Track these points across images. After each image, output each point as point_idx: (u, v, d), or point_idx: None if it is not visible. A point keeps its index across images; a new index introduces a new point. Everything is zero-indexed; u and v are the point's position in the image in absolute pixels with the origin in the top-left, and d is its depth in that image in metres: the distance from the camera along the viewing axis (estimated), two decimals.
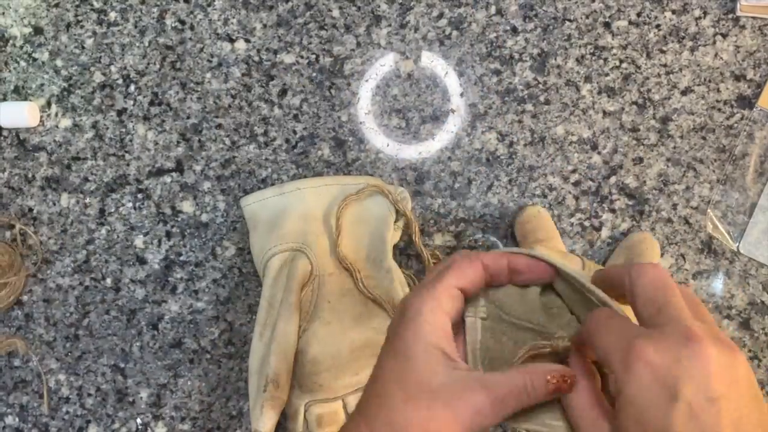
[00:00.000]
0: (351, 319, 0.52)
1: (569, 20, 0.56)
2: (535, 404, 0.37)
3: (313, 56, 0.57)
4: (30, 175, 0.56)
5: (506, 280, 0.41)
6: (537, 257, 0.39)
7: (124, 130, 0.56)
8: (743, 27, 0.56)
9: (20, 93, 0.57)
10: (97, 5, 0.57)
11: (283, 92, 0.57)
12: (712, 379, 0.30)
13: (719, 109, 0.56)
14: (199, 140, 0.56)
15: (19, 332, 0.56)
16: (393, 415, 0.36)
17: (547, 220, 0.55)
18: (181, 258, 0.56)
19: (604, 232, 0.55)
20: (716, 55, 0.56)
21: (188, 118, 0.56)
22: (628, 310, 0.41)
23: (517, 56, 0.56)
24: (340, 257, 0.53)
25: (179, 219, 0.56)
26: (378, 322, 0.52)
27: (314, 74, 0.57)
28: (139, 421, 0.55)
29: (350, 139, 0.56)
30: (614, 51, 0.56)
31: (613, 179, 0.56)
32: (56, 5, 0.57)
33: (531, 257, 0.39)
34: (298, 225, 0.54)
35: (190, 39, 0.57)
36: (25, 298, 0.56)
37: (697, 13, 0.56)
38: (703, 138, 0.56)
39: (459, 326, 0.41)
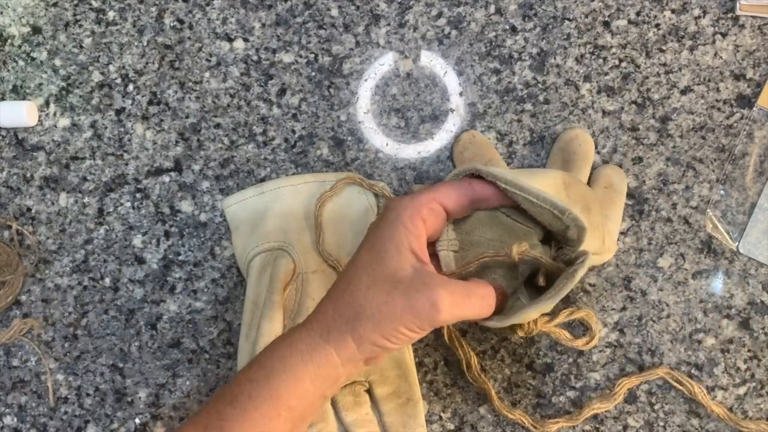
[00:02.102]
0: None
1: (568, 19, 0.56)
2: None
3: (312, 55, 0.57)
4: (28, 175, 0.56)
5: (478, 207, 0.44)
6: (500, 185, 0.42)
7: (122, 129, 0.56)
8: (743, 26, 0.56)
9: (18, 92, 0.57)
10: (95, 4, 0.57)
11: (281, 91, 0.56)
12: None
13: (719, 109, 0.56)
14: (198, 140, 0.56)
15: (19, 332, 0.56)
16: (355, 296, 0.40)
17: (484, 145, 0.55)
18: (180, 258, 0.56)
19: None
20: (716, 54, 0.56)
21: (187, 117, 0.56)
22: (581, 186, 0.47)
23: (516, 55, 0.56)
24: (324, 254, 0.53)
25: (178, 219, 0.56)
26: None
27: (313, 73, 0.56)
28: (137, 420, 0.55)
29: (349, 138, 0.56)
30: (613, 50, 0.56)
31: None
32: (55, 4, 0.57)
33: (495, 185, 0.42)
34: (279, 224, 0.54)
35: (189, 38, 0.57)
36: (23, 297, 0.56)
37: (697, 12, 0.56)
38: (703, 137, 0.56)
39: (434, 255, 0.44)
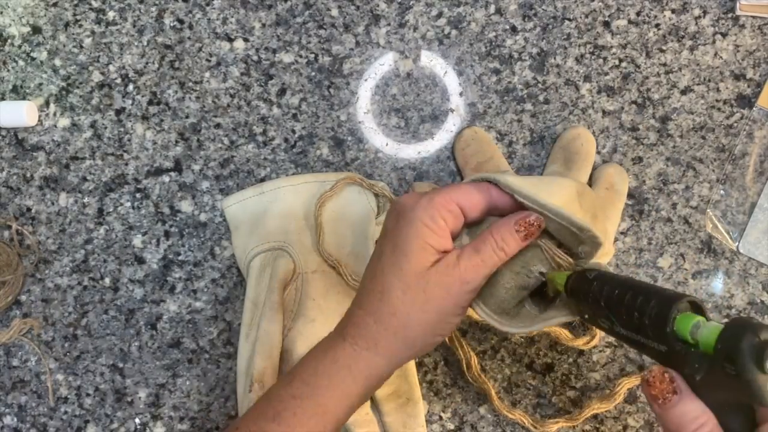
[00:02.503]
0: (336, 316, 0.51)
1: (568, 19, 0.56)
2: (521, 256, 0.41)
3: (312, 55, 0.57)
4: (28, 175, 0.56)
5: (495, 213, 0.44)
6: (519, 199, 0.42)
7: (122, 129, 0.56)
8: (743, 26, 0.56)
9: (18, 92, 0.57)
10: (95, 4, 0.57)
11: (282, 91, 0.56)
12: None
13: (719, 109, 0.56)
14: (198, 140, 0.56)
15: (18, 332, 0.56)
16: (395, 305, 0.40)
17: (486, 141, 0.55)
18: (180, 258, 0.56)
19: None
20: (716, 54, 0.56)
21: (187, 117, 0.56)
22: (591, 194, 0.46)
23: (516, 55, 0.56)
24: (324, 255, 0.53)
25: (178, 219, 0.56)
26: None
27: (313, 73, 0.56)
28: (137, 421, 0.55)
29: (349, 138, 0.56)
30: (614, 50, 0.56)
31: None
32: (54, 4, 0.57)
33: (511, 196, 0.42)
34: (278, 224, 0.54)
35: (189, 38, 0.57)
36: (23, 297, 0.56)
37: (697, 12, 0.56)
38: (703, 137, 0.56)
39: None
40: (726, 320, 0.53)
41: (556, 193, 0.43)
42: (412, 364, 0.53)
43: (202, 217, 0.56)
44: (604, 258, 0.52)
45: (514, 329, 0.43)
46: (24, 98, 0.57)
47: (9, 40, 0.57)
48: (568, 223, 0.41)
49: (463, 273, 0.40)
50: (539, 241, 0.42)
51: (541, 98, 0.56)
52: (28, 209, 0.56)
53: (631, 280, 0.38)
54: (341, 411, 0.41)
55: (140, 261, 0.56)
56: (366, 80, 0.56)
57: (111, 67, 0.57)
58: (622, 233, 0.55)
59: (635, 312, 0.35)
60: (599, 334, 0.53)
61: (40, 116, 0.57)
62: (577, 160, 0.54)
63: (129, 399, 0.55)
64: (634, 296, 0.36)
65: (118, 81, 0.57)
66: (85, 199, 0.56)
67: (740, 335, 0.31)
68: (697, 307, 0.35)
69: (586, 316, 0.40)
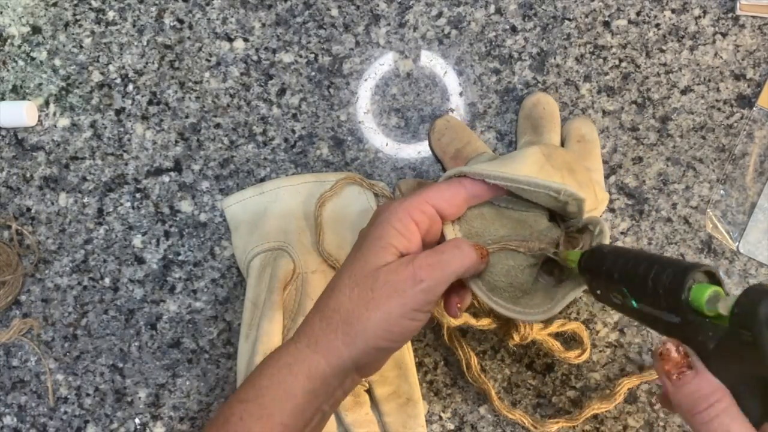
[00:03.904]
0: None
1: (568, 19, 0.56)
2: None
3: (312, 55, 0.56)
4: (28, 175, 0.56)
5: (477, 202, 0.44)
6: (490, 180, 0.42)
7: (122, 129, 0.56)
8: (743, 26, 0.56)
9: (18, 92, 0.57)
10: (95, 4, 0.57)
11: (281, 91, 0.56)
12: None
13: (719, 109, 0.56)
14: (198, 140, 0.56)
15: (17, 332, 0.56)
16: (341, 302, 0.39)
17: (460, 128, 0.55)
18: (180, 258, 0.56)
19: None
20: (716, 54, 0.56)
21: (187, 117, 0.56)
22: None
23: (516, 55, 0.56)
24: (324, 255, 0.53)
25: (178, 219, 0.56)
26: None
27: (313, 73, 0.56)
28: (137, 421, 0.55)
29: (349, 138, 0.56)
30: (614, 50, 0.56)
31: (612, 178, 0.55)
32: (54, 4, 0.57)
33: (484, 181, 0.42)
34: (278, 224, 0.54)
35: (189, 38, 0.57)
36: (23, 297, 0.56)
37: (697, 12, 0.56)
38: (703, 137, 0.56)
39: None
40: None
41: (522, 165, 0.44)
42: (412, 364, 0.53)
43: (202, 217, 0.56)
44: (601, 206, 0.52)
45: (535, 314, 0.43)
46: (24, 98, 0.57)
47: (9, 40, 0.57)
48: (543, 189, 0.41)
49: (416, 271, 0.38)
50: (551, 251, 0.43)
51: None
52: (28, 209, 0.56)
53: (645, 253, 0.38)
54: (286, 414, 0.38)
55: (140, 261, 0.56)
56: (366, 80, 0.56)
57: (111, 67, 0.57)
58: (622, 233, 0.55)
59: (649, 281, 0.35)
60: (590, 348, 0.52)
61: (39, 116, 0.57)
62: (544, 124, 0.54)
63: (129, 399, 0.55)
64: (649, 266, 0.35)
65: (118, 81, 0.57)
66: (85, 199, 0.56)
67: (758, 300, 0.30)
68: (713, 278, 0.34)
69: (598, 292, 0.40)
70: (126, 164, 0.56)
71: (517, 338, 0.50)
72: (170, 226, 0.56)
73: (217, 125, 0.56)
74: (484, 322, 0.50)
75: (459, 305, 0.44)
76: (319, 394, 0.39)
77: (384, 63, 0.56)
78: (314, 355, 0.39)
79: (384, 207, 0.42)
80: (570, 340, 0.54)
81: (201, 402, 0.55)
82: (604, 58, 0.56)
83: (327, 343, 0.39)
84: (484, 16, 0.56)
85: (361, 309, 0.38)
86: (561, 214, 0.45)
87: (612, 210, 0.55)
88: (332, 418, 0.50)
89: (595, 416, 0.54)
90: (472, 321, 0.50)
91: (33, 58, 0.57)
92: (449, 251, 0.40)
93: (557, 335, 0.53)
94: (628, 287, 0.37)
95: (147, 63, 0.57)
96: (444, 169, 0.55)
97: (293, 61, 0.56)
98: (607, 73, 0.56)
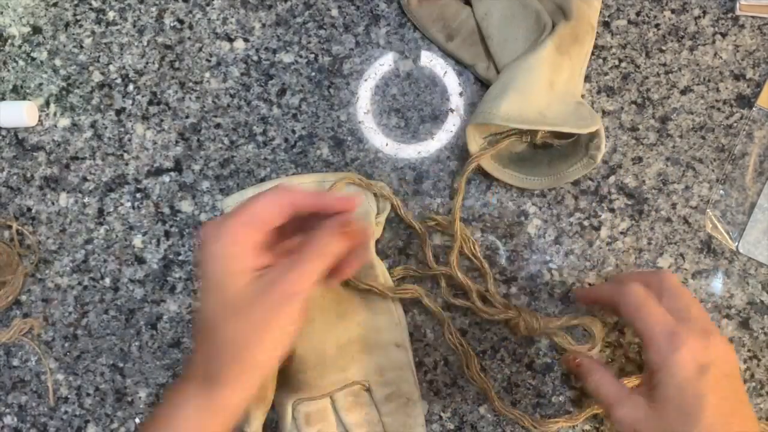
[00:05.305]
0: (335, 315, 0.52)
1: None
2: None
3: (312, 55, 0.57)
4: (28, 175, 0.56)
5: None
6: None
7: (122, 129, 0.56)
8: (743, 26, 0.56)
9: (19, 92, 0.57)
10: (95, 4, 0.57)
11: (282, 92, 0.56)
12: (727, 359, 0.43)
13: (718, 109, 0.56)
14: (198, 140, 0.56)
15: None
16: (217, 335, 0.40)
17: None
18: (180, 257, 0.56)
19: (603, 232, 0.55)
20: (715, 54, 0.56)
21: (187, 117, 0.56)
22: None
23: None
24: None
25: (178, 218, 0.56)
26: (363, 318, 0.52)
27: (313, 73, 0.56)
28: (137, 420, 0.55)
29: (349, 138, 0.56)
30: (613, 50, 0.56)
31: (612, 179, 0.56)
32: (55, 4, 0.57)
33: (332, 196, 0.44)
34: None
35: (189, 38, 0.57)
36: (23, 297, 0.56)
37: (697, 12, 0.56)
38: (703, 137, 0.56)
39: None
40: (725, 319, 0.53)
41: (535, 98, 0.49)
42: (411, 364, 0.53)
43: (203, 217, 0.56)
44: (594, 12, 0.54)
45: (539, 180, 0.52)
46: (24, 98, 0.57)
47: (9, 40, 0.57)
48: (570, 127, 0.49)
49: (288, 287, 0.39)
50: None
51: None
52: (29, 209, 0.56)
53: None
54: None
55: (140, 261, 0.56)
56: (366, 80, 0.56)
57: (111, 67, 0.57)
58: (621, 233, 0.55)
59: None
60: (602, 340, 0.53)
61: (40, 116, 0.57)
62: None
63: (129, 399, 0.55)
64: None
65: (119, 81, 0.57)
66: (86, 199, 0.56)
67: None
68: None
69: None
70: (126, 164, 0.56)
71: (524, 331, 0.50)
72: (171, 226, 0.56)
73: (218, 125, 0.56)
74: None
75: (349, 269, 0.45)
76: (208, 423, 0.40)
77: (384, 63, 0.56)
78: (183, 383, 0.41)
79: (207, 234, 0.41)
80: (580, 338, 0.54)
81: None
82: (604, 58, 0.56)
83: (209, 380, 0.40)
84: None
85: (237, 334, 0.39)
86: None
87: (612, 210, 0.55)
88: (332, 418, 0.50)
89: (595, 416, 0.54)
90: (478, 305, 0.50)
91: (33, 58, 0.57)
92: (309, 259, 0.40)
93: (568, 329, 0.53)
94: None
95: (147, 63, 0.57)
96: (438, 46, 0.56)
97: (293, 61, 0.57)
98: (606, 73, 0.56)
